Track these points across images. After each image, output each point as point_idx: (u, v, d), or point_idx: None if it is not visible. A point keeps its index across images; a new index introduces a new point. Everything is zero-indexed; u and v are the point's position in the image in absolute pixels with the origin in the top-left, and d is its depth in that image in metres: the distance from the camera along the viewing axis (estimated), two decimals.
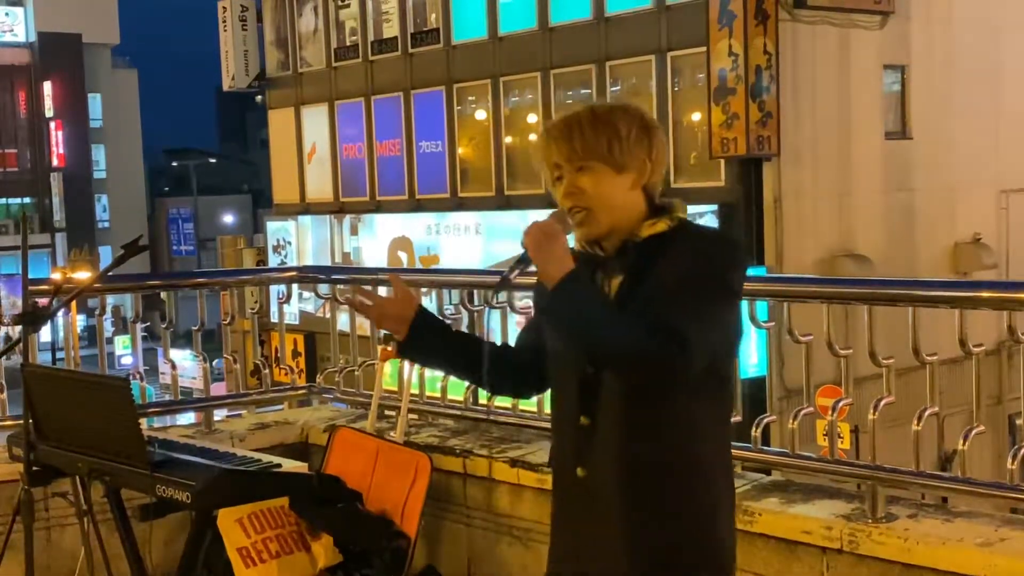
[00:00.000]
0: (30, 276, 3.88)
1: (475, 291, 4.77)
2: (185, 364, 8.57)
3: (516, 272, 2.43)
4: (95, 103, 51.54)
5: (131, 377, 5.04)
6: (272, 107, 26.09)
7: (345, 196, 24.20)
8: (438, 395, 4.98)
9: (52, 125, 48.82)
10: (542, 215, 2.53)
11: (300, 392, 5.67)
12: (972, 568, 3.18)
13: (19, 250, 3.92)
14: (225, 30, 25.64)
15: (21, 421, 3.81)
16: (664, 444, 2.45)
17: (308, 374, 8.03)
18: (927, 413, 3.53)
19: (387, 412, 5.05)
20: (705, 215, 16.83)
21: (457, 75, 21.32)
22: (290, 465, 4.01)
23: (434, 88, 21.74)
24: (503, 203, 20.25)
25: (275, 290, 5.70)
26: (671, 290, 2.36)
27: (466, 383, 4.91)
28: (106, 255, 40.93)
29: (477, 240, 20.67)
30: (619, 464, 2.46)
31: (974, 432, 3.45)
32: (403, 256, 22.22)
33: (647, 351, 2.30)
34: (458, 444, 4.61)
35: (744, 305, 4.01)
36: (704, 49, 16.26)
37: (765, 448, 3.97)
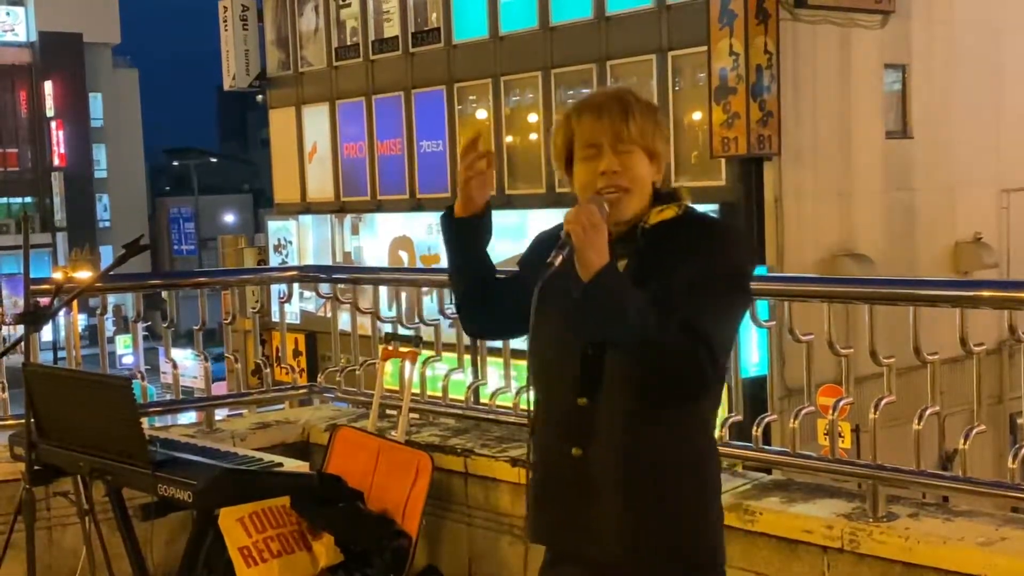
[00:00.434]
0: (31, 276, 3.88)
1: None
2: (186, 363, 8.58)
3: (561, 257, 2.37)
4: (96, 102, 51.55)
5: (134, 376, 5.06)
6: (273, 106, 26.10)
7: (346, 195, 24.21)
8: (439, 394, 4.98)
9: (53, 124, 48.83)
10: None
11: (301, 391, 5.67)
12: (973, 567, 3.18)
13: (20, 249, 3.92)
14: (226, 29, 25.65)
15: (23, 420, 3.81)
16: (666, 433, 2.48)
17: (309, 373, 8.03)
18: (928, 412, 3.54)
19: (388, 411, 5.06)
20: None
21: (458, 74, 21.32)
22: (291, 464, 4.01)
23: (435, 87, 21.74)
24: (504, 202, 20.24)
25: (276, 289, 5.70)
26: (696, 287, 2.38)
27: (467, 383, 4.93)
28: (107, 255, 40.94)
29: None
30: (620, 449, 2.48)
31: (975, 431, 3.45)
32: (404, 255, 22.22)
33: (675, 350, 2.32)
34: (459, 443, 4.61)
35: None
36: (705, 48, 16.25)
37: (766, 447, 3.97)
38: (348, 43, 23.68)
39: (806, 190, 16.77)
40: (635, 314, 2.32)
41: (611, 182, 2.48)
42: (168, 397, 5.68)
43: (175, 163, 61.94)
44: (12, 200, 48.74)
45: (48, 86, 48.53)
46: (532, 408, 2.61)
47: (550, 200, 17.82)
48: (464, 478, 4.50)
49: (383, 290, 5.39)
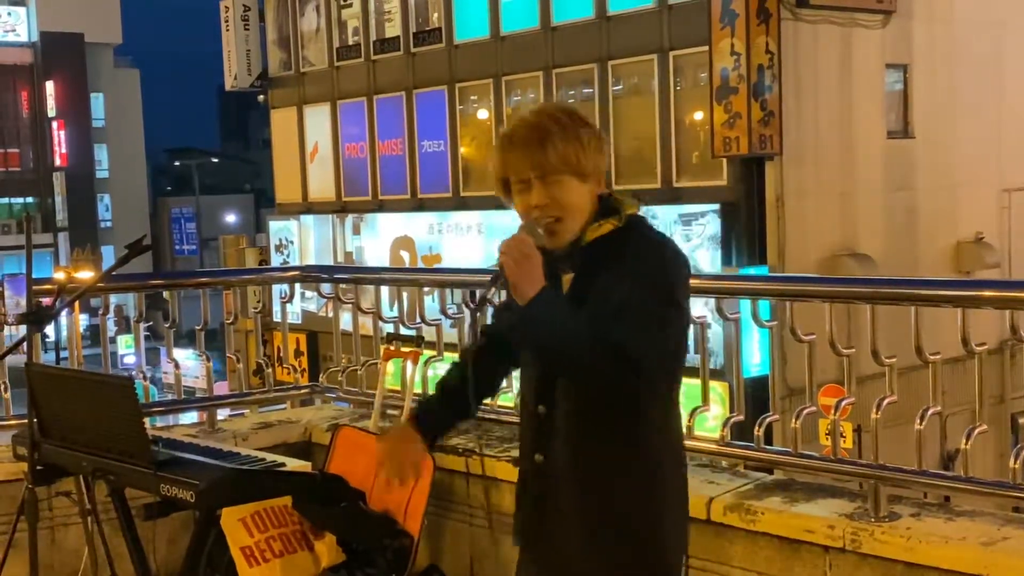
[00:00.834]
0: (33, 276, 3.88)
1: (477, 290, 4.78)
2: (188, 363, 8.58)
3: (494, 291, 2.50)
4: (97, 103, 51.58)
5: (141, 376, 5.06)
6: (274, 106, 26.10)
7: (347, 195, 24.21)
8: None
9: (54, 125, 48.86)
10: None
11: (303, 391, 5.67)
12: (975, 567, 3.18)
13: (22, 250, 3.93)
14: (227, 29, 25.66)
15: (25, 420, 3.82)
16: (616, 439, 2.55)
17: (311, 373, 8.04)
18: (930, 412, 3.53)
19: (390, 411, 5.06)
20: (707, 214, 16.85)
21: (459, 74, 21.32)
22: (293, 464, 4.01)
23: (436, 87, 21.74)
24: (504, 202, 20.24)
25: (278, 289, 5.70)
26: (628, 307, 2.43)
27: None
28: (108, 255, 40.95)
29: (479, 239, 20.66)
30: (573, 455, 2.57)
31: (977, 431, 3.45)
32: (405, 255, 22.23)
33: (605, 373, 2.41)
34: (461, 443, 4.61)
35: (746, 304, 4.02)
36: (706, 48, 16.25)
37: (768, 447, 3.97)
38: (349, 43, 23.69)
39: (807, 190, 16.77)
40: (568, 338, 2.41)
41: (544, 214, 2.54)
42: (170, 397, 5.69)
43: (176, 163, 61.99)
44: (14, 200, 48.78)
45: (50, 86, 48.56)
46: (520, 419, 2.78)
47: None
48: (466, 478, 4.50)
49: (384, 290, 5.39)
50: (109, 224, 51.12)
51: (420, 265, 21.30)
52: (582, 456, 2.57)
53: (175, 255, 54.93)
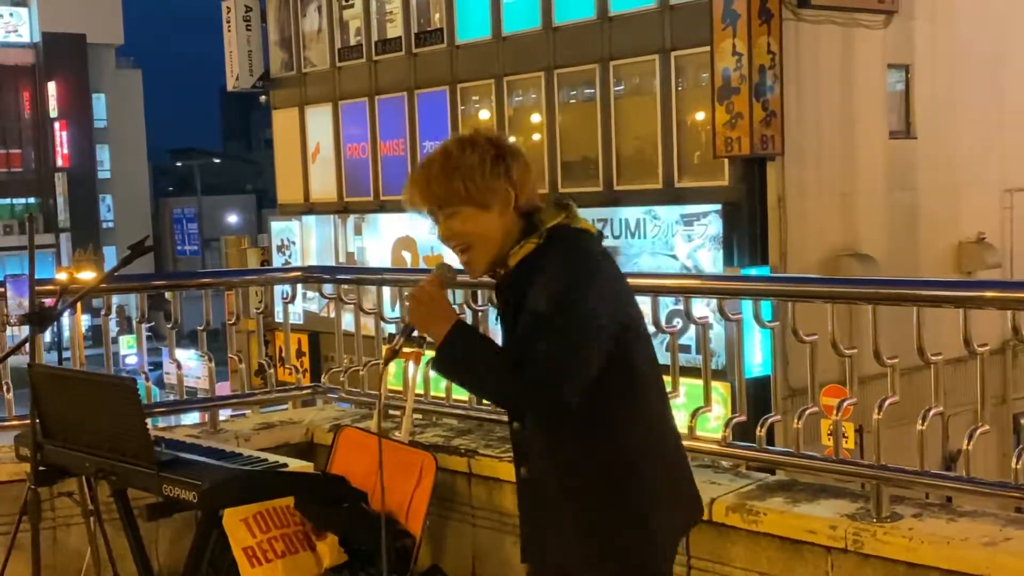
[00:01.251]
0: (35, 276, 3.88)
1: (479, 291, 4.78)
2: (190, 364, 8.58)
3: (402, 341, 2.63)
4: (99, 103, 51.59)
5: (144, 377, 5.07)
6: (276, 107, 26.11)
7: (349, 196, 24.21)
8: (443, 395, 4.98)
9: (56, 125, 48.87)
10: None
11: (305, 392, 5.68)
12: (977, 568, 3.18)
13: (24, 250, 3.93)
14: (229, 30, 25.67)
15: (28, 421, 3.82)
16: (585, 445, 2.57)
17: (312, 374, 8.05)
18: (931, 413, 3.53)
19: (392, 412, 5.06)
20: (709, 215, 16.84)
21: (461, 75, 21.32)
22: (295, 465, 4.02)
23: (438, 88, 21.74)
24: None
25: (279, 290, 5.71)
26: (530, 322, 2.46)
27: None
28: (110, 255, 40.99)
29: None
30: (543, 467, 2.62)
31: (979, 432, 3.44)
32: (407, 256, 22.22)
33: (520, 396, 2.47)
34: (463, 444, 4.61)
35: (747, 305, 4.01)
36: (708, 48, 16.25)
37: (770, 448, 3.97)
38: (351, 44, 23.69)
39: (809, 190, 16.77)
40: (476, 373, 2.50)
41: (453, 246, 2.61)
42: (172, 397, 5.69)
43: (178, 164, 62.01)
44: (16, 201, 48.79)
45: (52, 87, 48.57)
46: None
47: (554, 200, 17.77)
48: (468, 478, 4.50)
49: (386, 290, 5.40)
50: (111, 225, 51.14)
51: (422, 265, 21.30)
52: (556, 468, 2.60)
53: (177, 256, 54.94)
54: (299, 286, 5.63)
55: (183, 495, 3.45)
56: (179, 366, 5.38)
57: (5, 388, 4.80)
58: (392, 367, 4.83)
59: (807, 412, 3.84)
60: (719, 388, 7.37)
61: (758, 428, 3.90)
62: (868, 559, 3.39)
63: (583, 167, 19.21)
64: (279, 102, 25.92)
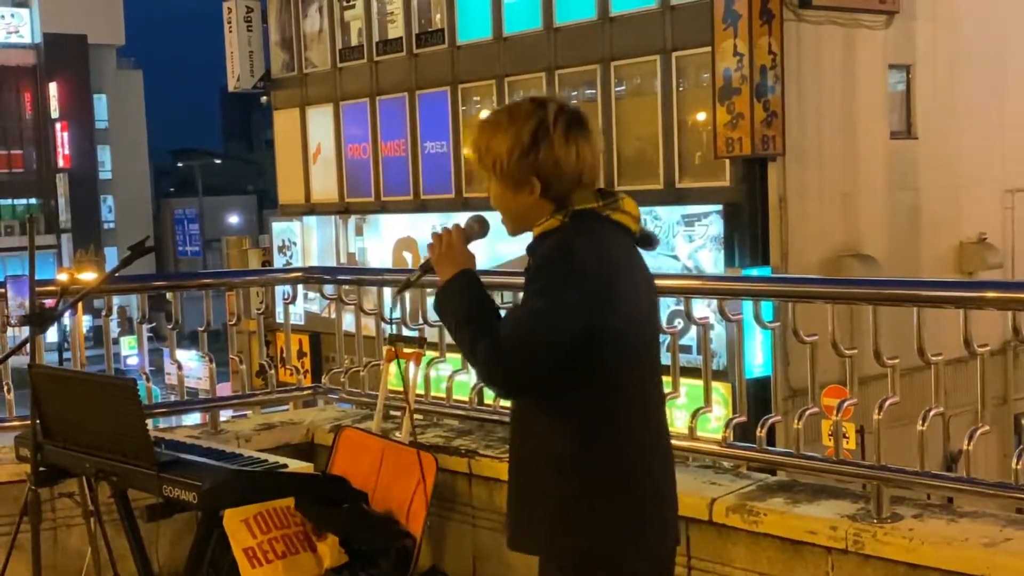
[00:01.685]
0: (36, 277, 3.88)
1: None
2: (191, 365, 8.59)
3: (419, 275, 2.78)
4: (100, 104, 51.62)
5: (145, 377, 5.07)
6: (277, 108, 26.12)
7: (350, 196, 24.22)
8: (443, 395, 4.99)
9: (58, 126, 48.90)
10: None
11: (306, 392, 5.68)
12: (977, 568, 3.18)
13: (25, 251, 3.94)
14: (230, 31, 25.68)
15: (28, 421, 3.82)
16: (540, 430, 2.63)
17: (313, 374, 8.05)
18: (932, 413, 3.53)
19: (392, 412, 5.06)
20: (710, 215, 16.84)
21: (462, 75, 21.32)
22: (296, 465, 4.02)
23: (439, 88, 21.75)
24: None
25: (280, 291, 5.71)
26: (515, 308, 2.63)
27: (471, 384, 4.94)
28: (111, 256, 41.01)
29: (482, 240, 20.65)
30: (513, 447, 2.73)
31: (979, 432, 3.44)
32: (408, 256, 22.22)
33: (478, 366, 2.52)
34: (463, 444, 4.61)
35: (748, 305, 4.01)
36: (709, 49, 16.25)
37: (770, 448, 3.97)
38: (352, 44, 23.70)
39: (810, 190, 16.77)
40: (461, 323, 2.57)
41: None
42: (172, 398, 5.69)
43: (179, 164, 62.05)
44: (17, 201, 48.81)
45: (53, 87, 48.60)
46: None
47: None
48: (468, 479, 4.50)
49: (387, 291, 5.39)
50: (112, 225, 51.16)
51: None
52: (517, 450, 2.71)
53: (178, 256, 54.94)
54: (300, 287, 5.63)
55: (183, 496, 3.45)
56: (180, 367, 5.38)
57: (6, 389, 4.80)
58: (393, 367, 4.86)
59: (807, 413, 3.84)
60: (720, 388, 7.36)
61: (758, 429, 3.90)
62: (868, 560, 3.39)
63: None
64: (280, 102, 25.94)
